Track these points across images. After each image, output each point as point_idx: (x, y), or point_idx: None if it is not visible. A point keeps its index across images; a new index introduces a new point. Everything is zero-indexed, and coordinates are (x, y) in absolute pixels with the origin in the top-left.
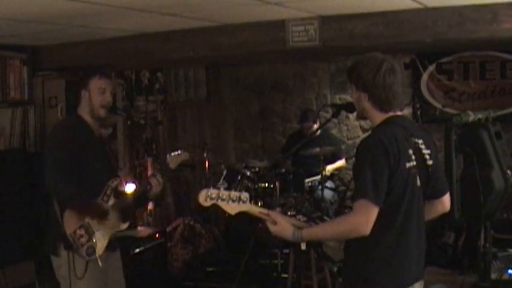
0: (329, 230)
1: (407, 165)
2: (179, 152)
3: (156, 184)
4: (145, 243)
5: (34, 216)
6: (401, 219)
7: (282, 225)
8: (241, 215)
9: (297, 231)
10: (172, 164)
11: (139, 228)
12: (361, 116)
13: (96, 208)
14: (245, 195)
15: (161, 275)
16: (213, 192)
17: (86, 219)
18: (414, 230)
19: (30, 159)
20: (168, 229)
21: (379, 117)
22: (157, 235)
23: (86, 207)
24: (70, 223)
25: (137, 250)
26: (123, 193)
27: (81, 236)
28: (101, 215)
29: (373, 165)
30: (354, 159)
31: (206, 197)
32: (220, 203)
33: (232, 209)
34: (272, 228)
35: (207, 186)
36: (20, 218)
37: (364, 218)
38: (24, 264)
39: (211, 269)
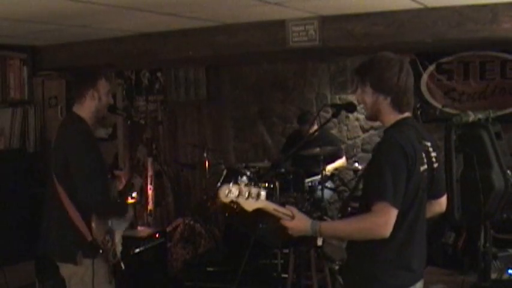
0: (349, 226)
1: (421, 168)
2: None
3: (138, 184)
4: (145, 243)
5: (34, 216)
6: (410, 221)
7: (299, 218)
8: (252, 212)
9: (315, 222)
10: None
11: (139, 228)
12: (373, 118)
13: (122, 206)
14: (263, 191)
15: (161, 275)
16: (233, 188)
17: (109, 223)
18: (419, 231)
19: (30, 159)
20: (168, 229)
21: (393, 118)
22: (157, 235)
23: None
24: (100, 230)
25: (137, 250)
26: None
27: (108, 241)
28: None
29: (394, 168)
30: (371, 160)
31: (227, 192)
32: (239, 199)
33: (249, 205)
34: (289, 224)
35: (215, 184)
36: (20, 218)
37: (384, 220)
38: (24, 264)
39: (211, 269)
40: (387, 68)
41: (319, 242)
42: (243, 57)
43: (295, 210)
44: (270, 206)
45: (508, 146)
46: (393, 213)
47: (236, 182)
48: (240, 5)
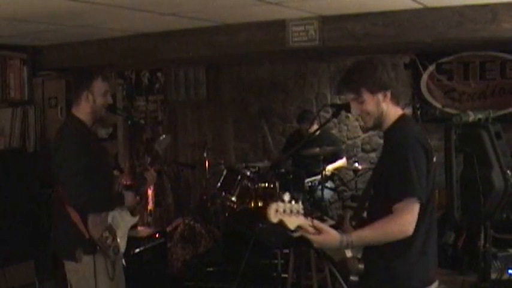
0: (378, 231)
1: (434, 160)
2: (163, 136)
3: (151, 178)
4: (145, 243)
5: (34, 216)
6: (428, 217)
7: (328, 232)
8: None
9: (345, 236)
10: (161, 151)
11: (139, 228)
12: (377, 124)
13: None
14: (301, 207)
15: (161, 275)
16: (280, 205)
17: (109, 220)
18: (434, 228)
19: (30, 159)
20: (168, 229)
21: (394, 114)
22: (157, 235)
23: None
24: (97, 228)
25: (137, 250)
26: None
27: (107, 237)
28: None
29: (417, 164)
30: (387, 159)
31: (275, 212)
32: (285, 217)
33: (292, 223)
34: (316, 238)
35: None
36: (20, 218)
37: (412, 217)
38: (24, 264)
39: (211, 269)
40: (374, 68)
41: (349, 254)
42: (243, 57)
43: (322, 225)
44: (306, 222)
45: (508, 146)
46: (417, 208)
47: (282, 200)
48: (240, 5)
